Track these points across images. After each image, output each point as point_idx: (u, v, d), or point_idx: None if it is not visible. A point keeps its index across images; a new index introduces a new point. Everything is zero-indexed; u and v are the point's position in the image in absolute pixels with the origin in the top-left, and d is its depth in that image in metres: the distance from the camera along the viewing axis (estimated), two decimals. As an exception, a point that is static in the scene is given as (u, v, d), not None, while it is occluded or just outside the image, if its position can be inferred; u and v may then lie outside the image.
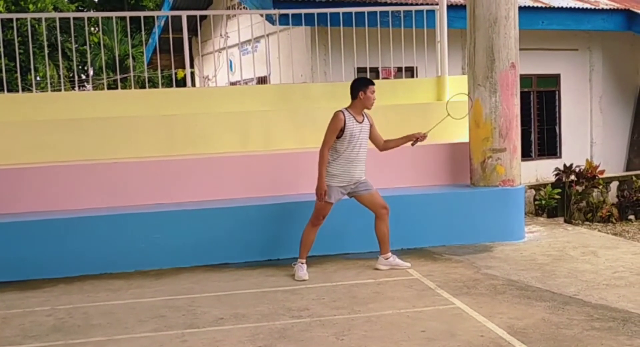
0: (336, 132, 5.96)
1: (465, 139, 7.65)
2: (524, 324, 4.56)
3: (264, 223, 6.78)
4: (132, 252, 6.53)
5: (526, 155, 12.27)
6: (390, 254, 6.25)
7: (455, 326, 4.58)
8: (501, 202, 7.28)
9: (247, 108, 8.28)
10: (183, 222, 6.67)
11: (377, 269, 6.20)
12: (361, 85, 6.09)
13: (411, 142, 6.24)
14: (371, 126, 6.20)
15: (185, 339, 4.49)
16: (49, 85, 9.48)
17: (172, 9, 14.61)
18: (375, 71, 9.95)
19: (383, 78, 9.88)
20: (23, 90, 10.41)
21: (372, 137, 6.24)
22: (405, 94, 8.78)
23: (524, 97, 11.99)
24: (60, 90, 11.29)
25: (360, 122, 6.07)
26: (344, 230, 6.85)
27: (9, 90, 8.95)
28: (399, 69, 9.98)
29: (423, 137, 6.21)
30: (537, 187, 10.22)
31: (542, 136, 13.43)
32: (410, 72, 10.57)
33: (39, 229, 6.40)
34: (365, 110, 6.18)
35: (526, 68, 10.49)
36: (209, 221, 6.70)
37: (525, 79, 11.61)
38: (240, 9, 13.48)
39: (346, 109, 6.08)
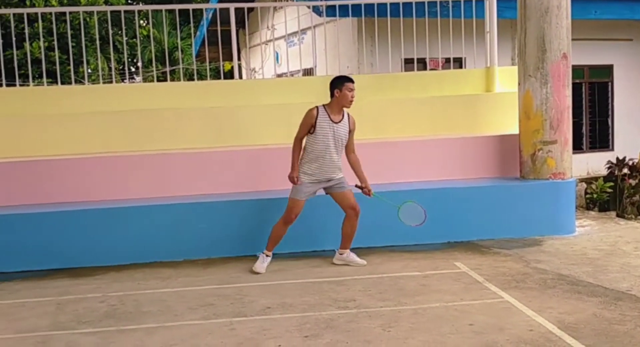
0: (306, 127, 5.95)
1: (515, 131, 7.52)
2: (575, 319, 4.47)
3: (309, 214, 6.78)
4: (181, 241, 6.64)
5: (577, 147, 11.98)
6: (347, 250, 6.21)
7: (504, 319, 4.52)
8: (551, 196, 7.14)
9: (293, 100, 8.30)
10: (229, 212, 6.74)
11: (333, 263, 6.22)
12: (337, 82, 5.98)
13: (361, 187, 6.11)
14: (350, 132, 6.08)
15: (234, 327, 4.55)
16: (100, 77, 9.68)
17: (220, 1, 14.72)
18: (422, 62, 9.86)
19: (431, 69, 9.80)
20: (75, 82, 10.67)
21: (347, 143, 6.13)
22: (453, 85, 8.68)
23: (576, 89, 11.69)
24: (111, 82, 11.54)
25: (336, 122, 5.97)
26: (390, 222, 6.80)
27: (62, 83, 9.17)
28: (447, 60, 9.87)
29: (368, 192, 6.11)
30: (588, 181, 10.03)
31: (593, 128, 13.10)
32: (459, 63, 10.44)
33: (90, 218, 6.56)
34: (348, 112, 6.07)
35: (578, 59, 10.22)
36: (255, 212, 6.76)
37: (577, 70, 11.31)
38: (288, 0, 13.51)
39: (323, 105, 6.02)
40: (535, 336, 4.19)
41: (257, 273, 5.96)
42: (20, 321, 4.86)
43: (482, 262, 6.10)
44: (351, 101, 5.98)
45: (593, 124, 13.09)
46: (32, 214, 6.52)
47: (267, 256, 6.12)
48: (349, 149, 6.15)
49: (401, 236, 6.85)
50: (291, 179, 6.01)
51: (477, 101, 8.32)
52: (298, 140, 6.02)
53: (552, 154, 7.16)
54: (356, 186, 6.16)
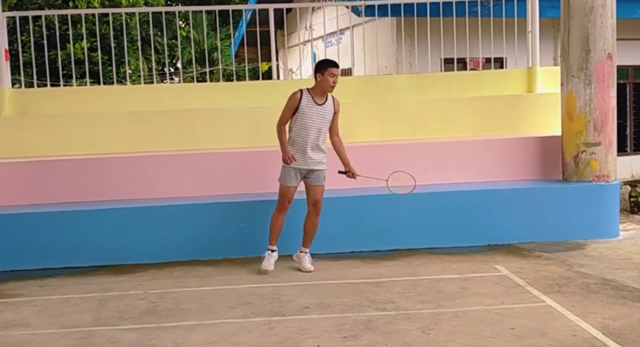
0: (290, 109, 5.99)
1: (557, 132, 7.39)
2: (620, 325, 4.37)
3: (347, 214, 6.78)
4: (221, 240, 6.67)
5: (621, 150, 11.69)
6: (307, 250, 6.14)
7: (546, 324, 4.44)
8: (595, 199, 7.00)
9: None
10: (269, 212, 6.73)
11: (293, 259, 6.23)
12: (320, 67, 6.02)
13: (345, 172, 6.09)
14: (334, 114, 6.08)
15: (272, 327, 4.56)
16: (141, 77, 9.83)
17: (259, 2, 14.81)
18: (462, 62, 9.77)
19: (471, 69, 9.70)
20: (117, 82, 10.84)
21: (330, 124, 6.10)
22: (494, 85, 8.58)
23: (620, 89, 11.42)
24: (151, 82, 11.70)
25: (320, 105, 5.99)
26: (429, 224, 6.77)
27: (104, 83, 9.33)
28: (488, 60, 9.75)
29: (352, 175, 6.08)
30: (632, 184, 9.80)
31: (638, 130, 12.77)
32: (500, 63, 10.31)
33: (132, 216, 6.65)
34: (332, 94, 6.07)
35: (623, 59, 9.99)
36: (294, 211, 6.72)
37: (621, 71, 11.06)
38: (327, 1, 13.51)
39: (307, 89, 6.04)
40: (578, 341, 4.11)
41: (266, 271, 5.94)
42: (64, 317, 4.95)
43: (523, 265, 6.01)
44: (332, 86, 5.98)
45: (638, 126, 12.77)
46: (76, 211, 6.64)
47: (272, 251, 6.08)
48: (332, 131, 6.15)
49: (441, 237, 6.78)
50: (285, 160, 6.01)
51: (519, 102, 8.20)
52: (281, 124, 6.05)
53: (596, 156, 7.02)
54: (339, 172, 6.13)
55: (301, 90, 6.02)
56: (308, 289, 5.47)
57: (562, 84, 7.26)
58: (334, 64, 6.06)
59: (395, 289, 5.38)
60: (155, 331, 4.55)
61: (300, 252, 6.18)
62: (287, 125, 6.07)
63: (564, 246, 6.69)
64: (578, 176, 7.08)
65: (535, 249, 6.63)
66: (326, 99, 6.05)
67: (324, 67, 6.00)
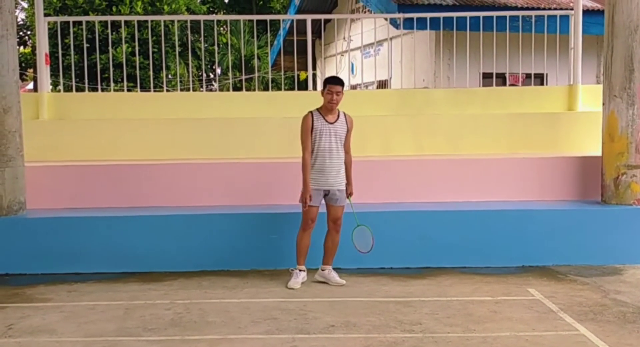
0: (307, 133, 5.91)
1: (598, 153, 7.19)
2: (657, 360, 4.20)
3: (378, 230, 6.65)
4: (250, 251, 6.63)
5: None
6: (329, 267, 6.06)
7: (579, 355, 4.29)
8: (635, 222, 6.78)
9: (366, 112, 8.22)
10: (299, 224, 6.68)
11: (314, 280, 6.08)
12: (324, 84, 5.99)
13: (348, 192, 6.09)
14: (347, 131, 6.00)
15: (296, 345, 4.49)
16: (178, 83, 9.90)
17: (298, 11, 14.85)
18: (502, 77, 9.61)
19: (510, 84, 9.56)
20: (155, 87, 10.94)
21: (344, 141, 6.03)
22: (534, 102, 8.43)
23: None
24: (189, 88, 11.79)
25: (331, 123, 5.91)
26: (461, 242, 6.63)
27: (142, 87, 9.43)
28: (528, 76, 9.58)
29: (347, 195, 6.08)
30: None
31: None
32: (540, 79, 10.14)
33: (163, 224, 6.65)
34: (344, 112, 6.01)
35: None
36: (324, 226, 6.68)
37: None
38: (365, 12, 13.46)
39: (317, 109, 5.97)
40: (613, 375, 3.96)
41: (292, 289, 5.88)
42: (89, 324, 4.96)
43: (557, 289, 5.83)
44: (331, 102, 5.89)
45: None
46: (108, 217, 6.67)
47: (300, 270, 6.04)
48: (345, 148, 6.05)
49: (473, 256, 6.63)
50: (303, 201, 5.96)
51: (558, 120, 8.04)
52: (306, 153, 5.94)
53: (637, 179, 6.81)
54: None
55: (311, 112, 5.97)
56: (335, 306, 5.39)
57: (603, 104, 7.07)
58: (334, 81, 5.97)
59: (423, 310, 5.26)
60: (178, 344, 4.52)
61: (323, 270, 6.10)
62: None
63: (600, 270, 6.49)
64: (618, 199, 6.87)
65: (571, 272, 6.44)
66: (338, 117, 5.98)
67: (325, 84, 6.00)
